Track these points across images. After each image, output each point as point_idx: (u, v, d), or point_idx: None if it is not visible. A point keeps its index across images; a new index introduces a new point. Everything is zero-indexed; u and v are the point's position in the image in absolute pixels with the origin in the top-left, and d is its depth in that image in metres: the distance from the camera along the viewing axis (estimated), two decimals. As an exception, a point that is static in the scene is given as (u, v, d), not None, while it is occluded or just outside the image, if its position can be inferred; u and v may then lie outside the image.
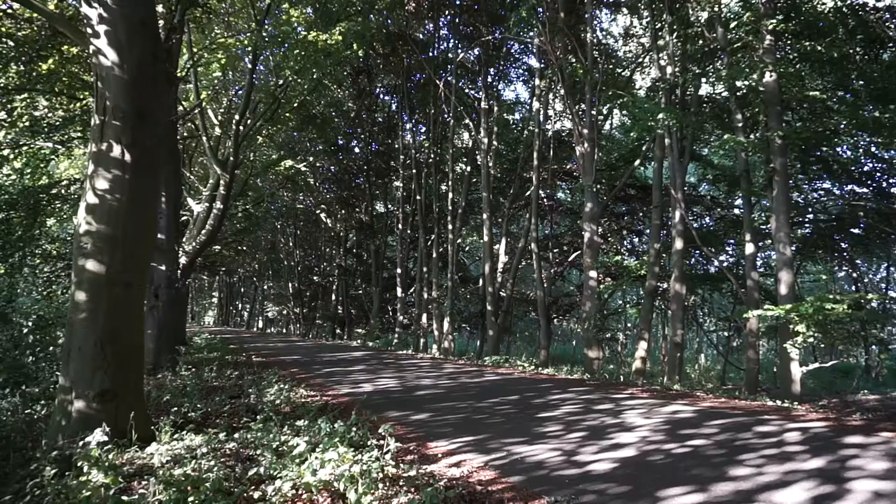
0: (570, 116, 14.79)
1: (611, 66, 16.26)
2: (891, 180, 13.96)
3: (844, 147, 13.37)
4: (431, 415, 5.87)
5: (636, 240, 20.93)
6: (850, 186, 14.81)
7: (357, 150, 26.98)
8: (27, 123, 10.67)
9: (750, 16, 10.13)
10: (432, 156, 21.78)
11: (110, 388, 4.09)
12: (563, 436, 4.70)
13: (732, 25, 10.86)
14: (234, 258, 32.13)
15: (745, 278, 11.46)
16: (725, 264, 15.46)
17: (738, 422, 5.11)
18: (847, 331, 9.89)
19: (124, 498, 2.80)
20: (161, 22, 8.66)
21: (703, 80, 14.09)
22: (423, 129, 23.90)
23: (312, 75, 13.61)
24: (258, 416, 4.74)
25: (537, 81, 17.33)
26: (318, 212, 29.05)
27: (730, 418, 5.32)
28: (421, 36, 21.97)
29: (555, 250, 20.25)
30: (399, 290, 23.38)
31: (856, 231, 14.69)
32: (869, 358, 19.15)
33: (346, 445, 3.55)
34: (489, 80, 20.48)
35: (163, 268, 9.79)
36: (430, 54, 20.80)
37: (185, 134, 17.08)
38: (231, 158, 12.04)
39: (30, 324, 7.49)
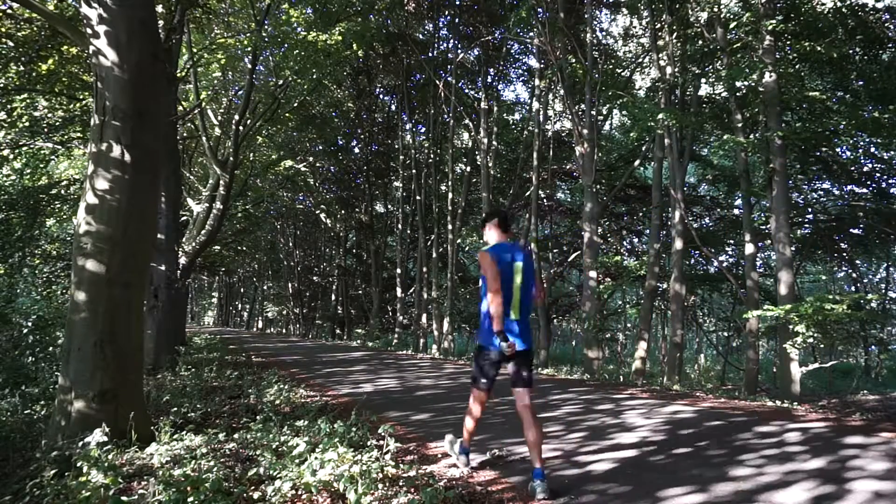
0: (570, 117, 14.77)
1: (610, 67, 16.25)
2: (890, 180, 13.96)
3: (844, 147, 13.37)
4: (431, 415, 5.87)
5: (636, 240, 20.94)
6: (849, 187, 14.82)
7: (357, 150, 26.97)
8: (27, 124, 10.65)
9: (750, 16, 10.12)
10: (432, 156, 21.76)
11: (110, 388, 4.08)
12: (563, 436, 4.70)
13: (732, 26, 10.84)
14: (234, 258, 32.10)
15: (744, 278, 11.45)
16: (725, 264, 15.46)
17: (738, 422, 5.11)
18: (847, 331, 9.89)
19: (124, 498, 2.79)
20: (161, 22, 8.67)
21: (703, 80, 14.07)
22: (423, 130, 23.89)
23: (312, 75, 13.60)
24: (258, 417, 4.74)
25: (537, 82, 17.32)
26: (317, 212, 29.04)
27: (730, 418, 5.32)
28: (421, 36, 21.96)
29: (555, 250, 20.25)
30: (399, 291, 23.37)
31: (855, 231, 14.69)
32: (868, 358, 19.17)
33: (345, 446, 3.54)
34: (489, 80, 20.48)
35: (163, 268, 9.79)
36: (430, 54, 20.79)
37: (185, 134, 17.07)
38: (231, 159, 12.04)
39: (29, 324, 7.47)
